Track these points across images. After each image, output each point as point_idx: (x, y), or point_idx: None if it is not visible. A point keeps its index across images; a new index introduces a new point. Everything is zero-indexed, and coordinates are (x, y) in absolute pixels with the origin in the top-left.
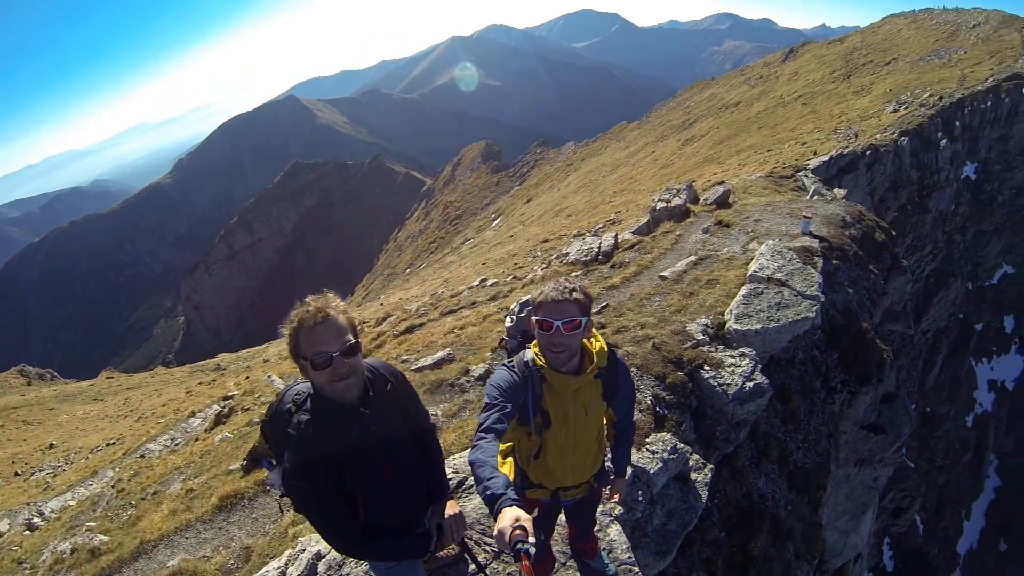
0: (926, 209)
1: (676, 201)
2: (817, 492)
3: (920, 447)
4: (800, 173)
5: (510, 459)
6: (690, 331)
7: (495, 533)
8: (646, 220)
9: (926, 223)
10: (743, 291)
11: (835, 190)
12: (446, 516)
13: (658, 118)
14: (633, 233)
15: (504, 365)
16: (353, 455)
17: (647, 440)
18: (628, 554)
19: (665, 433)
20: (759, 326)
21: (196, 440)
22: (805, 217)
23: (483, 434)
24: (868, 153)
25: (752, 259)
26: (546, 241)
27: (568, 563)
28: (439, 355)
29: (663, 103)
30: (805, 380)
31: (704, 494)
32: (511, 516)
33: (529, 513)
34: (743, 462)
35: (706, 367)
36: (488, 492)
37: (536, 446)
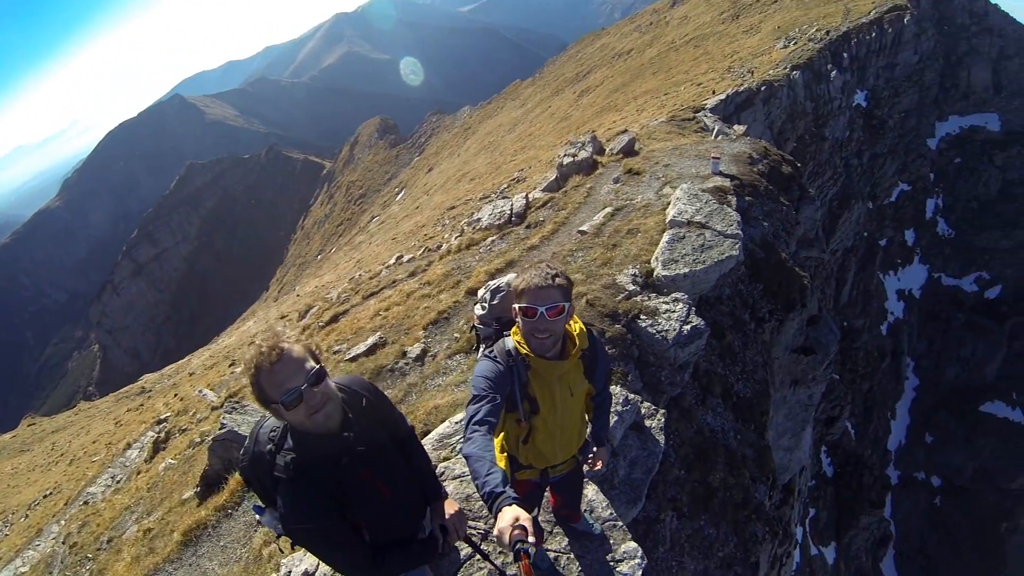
0: (823, 137)
1: (582, 154)
2: (761, 418)
3: (843, 359)
4: (700, 114)
5: (499, 441)
6: (620, 283)
7: (495, 533)
8: (554, 176)
9: (824, 151)
10: (666, 237)
11: (736, 127)
12: (447, 516)
13: (552, 73)
14: (543, 191)
15: (486, 355)
16: (347, 483)
17: None
18: (609, 511)
19: (614, 386)
20: (687, 270)
21: (139, 473)
22: (714, 158)
23: (476, 427)
24: (763, 89)
25: (669, 204)
26: (452, 208)
27: (554, 530)
28: (371, 340)
29: (555, 58)
30: (735, 315)
31: (661, 439)
32: (511, 516)
33: (519, 495)
34: (690, 402)
35: (642, 316)
36: (486, 489)
37: (525, 432)
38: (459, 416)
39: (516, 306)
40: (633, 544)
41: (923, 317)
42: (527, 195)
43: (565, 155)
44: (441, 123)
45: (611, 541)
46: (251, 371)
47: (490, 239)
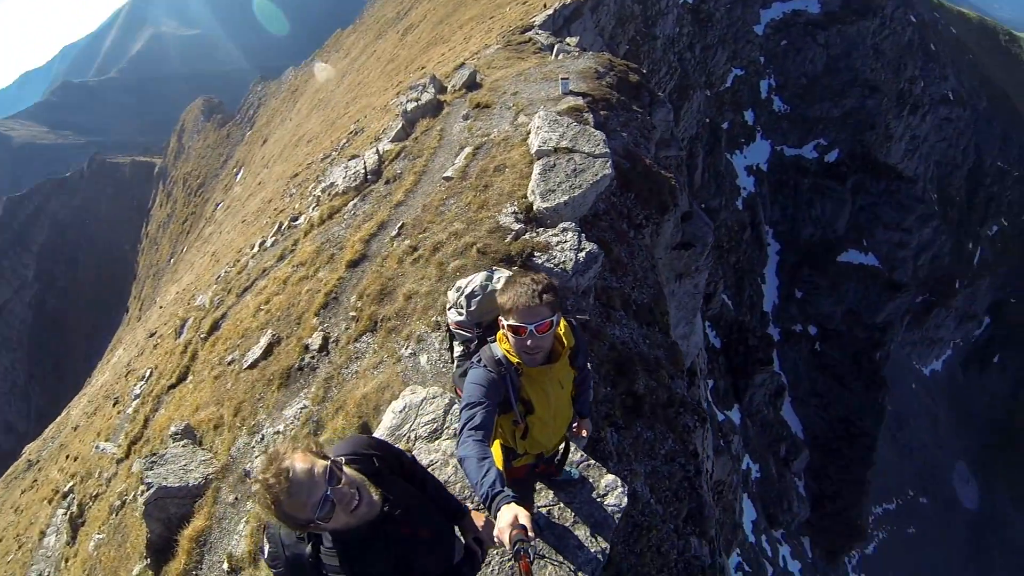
0: (654, 37)
1: (425, 96)
2: (663, 318)
3: None
4: (530, 32)
5: (496, 441)
6: (504, 224)
7: (495, 533)
8: (399, 124)
9: (657, 49)
10: (537, 169)
11: (568, 39)
12: (481, 528)
13: (371, 16)
14: (392, 141)
15: (475, 363)
16: (396, 547)
17: None
18: (579, 454)
19: None
20: (566, 197)
21: (67, 561)
22: (563, 78)
23: (471, 431)
24: None
25: (529, 134)
26: (296, 175)
27: (538, 487)
28: (264, 341)
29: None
30: (615, 228)
31: None
32: (510, 515)
33: (519, 478)
34: (597, 321)
35: (536, 253)
36: (483, 489)
37: (522, 429)
38: (399, 404)
39: (504, 322)
40: (611, 476)
41: (773, 187)
42: (377, 149)
43: (408, 100)
44: (267, 90)
45: (591, 480)
46: (271, 507)
47: (351, 203)
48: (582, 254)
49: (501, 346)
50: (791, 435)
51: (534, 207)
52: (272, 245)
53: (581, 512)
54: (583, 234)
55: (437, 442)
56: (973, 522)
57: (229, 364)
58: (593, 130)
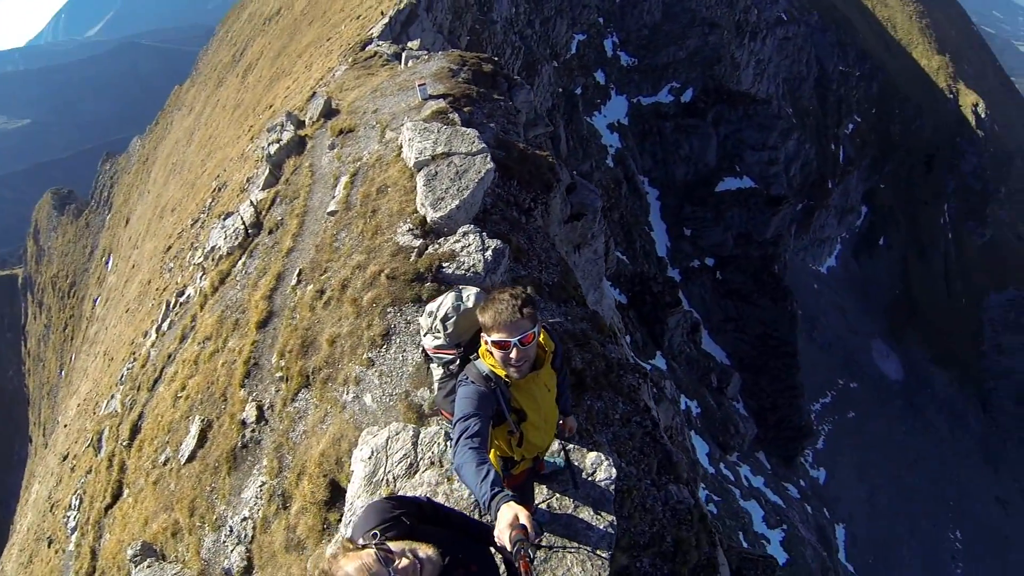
0: (493, 21)
1: (286, 135)
2: (576, 291)
3: None
4: (371, 46)
5: (492, 451)
6: (404, 244)
7: (495, 534)
8: (266, 170)
9: (497, 33)
10: (420, 181)
11: (410, 44)
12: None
13: (207, 65)
14: (264, 189)
15: (464, 381)
16: None
17: None
18: (556, 443)
19: None
20: (456, 202)
21: None
22: (420, 85)
23: (467, 439)
24: None
25: (401, 148)
26: (169, 249)
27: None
28: (194, 429)
29: (206, 47)
30: (507, 217)
31: None
32: (510, 515)
33: (518, 484)
34: None
35: (444, 264)
36: (482, 491)
37: (518, 438)
38: (365, 451)
39: (487, 339)
40: (594, 453)
41: (638, 138)
42: (251, 200)
43: (269, 143)
44: (117, 167)
45: (577, 463)
46: None
47: (240, 262)
48: (488, 252)
49: (486, 361)
50: (718, 364)
51: (428, 219)
52: (169, 327)
53: (578, 496)
54: (484, 233)
55: (417, 475)
56: (902, 390)
57: (164, 464)
58: (464, 129)
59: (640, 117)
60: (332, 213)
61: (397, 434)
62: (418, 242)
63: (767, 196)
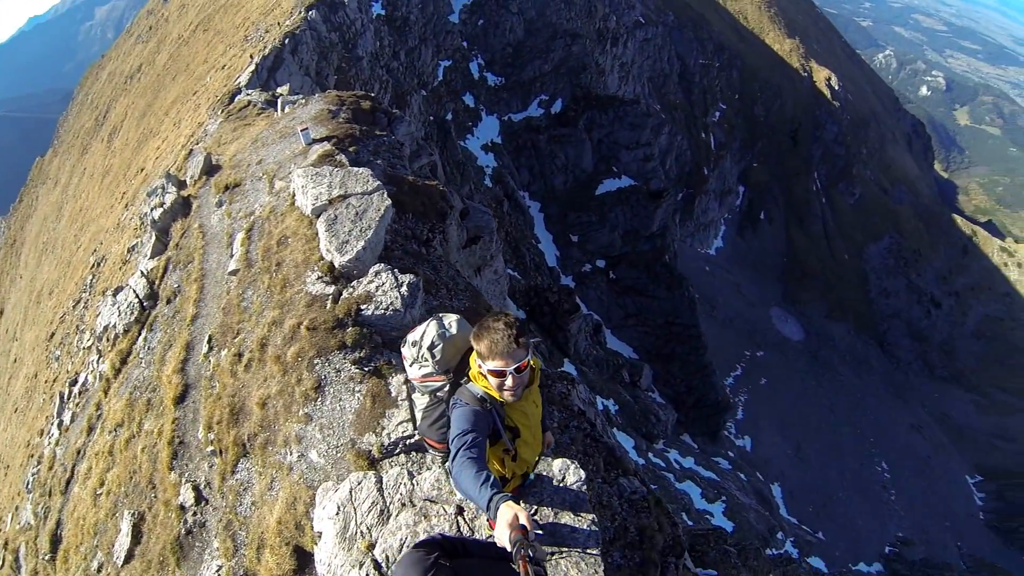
0: (358, 57)
1: (168, 198)
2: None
3: None
4: (241, 96)
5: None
6: (317, 292)
7: (495, 532)
8: (151, 237)
9: (364, 69)
10: (321, 227)
11: (279, 89)
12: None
13: (69, 132)
14: (152, 258)
15: (459, 404)
16: None
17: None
18: None
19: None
20: (361, 243)
21: None
22: (302, 130)
23: (466, 451)
24: (287, 42)
25: (294, 196)
26: (53, 336)
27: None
28: (125, 526)
29: (65, 113)
30: (409, 251)
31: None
32: (510, 515)
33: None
34: None
35: (363, 307)
36: (481, 493)
37: (512, 454)
38: (330, 507)
39: (483, 366)
40: (560, 460)
41: (514, 154)
42: (141, 271)
43: (152, 208)
44: None
45: (544, 473)
46: None
47: (140, 338)
48: (404, 288)
49: (479, 384)
50: (627, 360)
51: (336, 264)
52: (71, 420)
53: (555, 503)
54: (395, 270)
55: (392, 520)
56: (805, 348)
57: (99, 572)
58: (356, 169)
59: (513, 134)
60: (233, 272)
61: (360, 483)
62: (331, 289)
63: (647, 191)
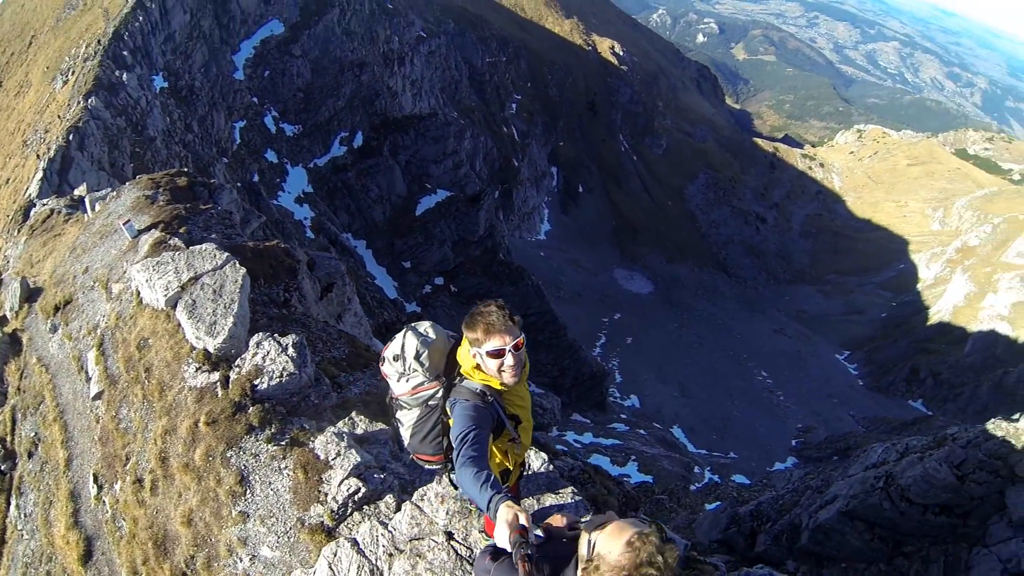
0: (151, 138)
1: None
2: (368, 352)
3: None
4: (37, 208)
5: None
6: (202, 384)
7: (495, 532)
8: None
9: (159, 148)
10: (182, 316)
11: (76, 191)
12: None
13: None
14: None
15: (458, 402)
16: None
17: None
18: None
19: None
20: (231, 318)
21: None
22: (125, 224)
23: (467, 449)
24: (72, 138)
25: (139, 293)
26: None
27: None
28: None
29: None
30: (271, 315)
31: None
32: (510, 515)
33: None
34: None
35: (257, 382)
36: (484, 495)
37: (517, 441)
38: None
39: (479, 352)
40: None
41: (327, 199)
42: None
43: None
44: None
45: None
46: None
47: (11, 509)
48: (291, 350)
49: (475, 379)
50: None
51: (210, 349)
52: None
53: (532, 490)
54: (275, 334)
55: (389, 573)
56: (657, 297)
57: None
58: (198, 247)
59: (322, 179)
60: (98, 396)
61: (336, 554)
62: (215, 375)
63: (465, 198)
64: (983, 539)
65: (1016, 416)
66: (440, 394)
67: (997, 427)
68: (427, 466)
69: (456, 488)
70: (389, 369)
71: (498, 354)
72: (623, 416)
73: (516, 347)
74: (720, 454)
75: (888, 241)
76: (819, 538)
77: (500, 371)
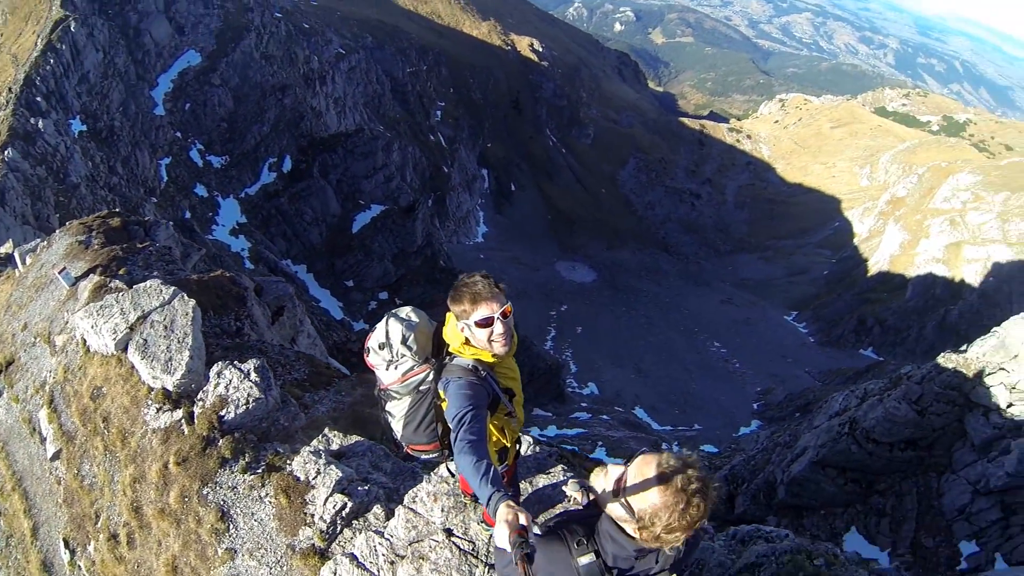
0: (74, 185)
1: None
2: (330, 370)
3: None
4: None
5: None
6: (166, 424)
7: (495, 531)
8: None
9: (84, 195)
10: (134, 357)
11: (2, 248)
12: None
13: None
14: None
15: (451, 380)
16: None
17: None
18: None
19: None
20: (187, 352)
21: None
22: (61, 272)
23: (465, 433)
24: None
25: (86, 341)
26: None
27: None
28: None
29: None
30: (226, 346)
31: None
32: (510, 515)
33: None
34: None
35: (223, 413)
36: (482, 490)
37: (513, 415)
38: None
39: (467, 323)
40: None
41: (262, 227)
42: None
43: None
44: None
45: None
46: None
47: None
48: (254, 375)
49: (466, 355)
50: None
51: (169, 387)
52: None
53: (523, 474)
54: (234, 362)
55: None
56: (602, 284)
57: None
58: (142, 284)
59: (254, 207)
60: (56, 456)
61: (335, 572)
62: (179, 413)
63: (399, 209)
64: (950, 466)
65: (963, 348)
66: (431, 377)
67: (948, 360)
68: (423, 456)
69: (453, 476)
70: (376, 359)
71: (487, 323)
72: (583, 404)
73: (504, 314)
74: (685, 427)
75: (821, 202)
76: (795, 490)
77: (491, 341)
